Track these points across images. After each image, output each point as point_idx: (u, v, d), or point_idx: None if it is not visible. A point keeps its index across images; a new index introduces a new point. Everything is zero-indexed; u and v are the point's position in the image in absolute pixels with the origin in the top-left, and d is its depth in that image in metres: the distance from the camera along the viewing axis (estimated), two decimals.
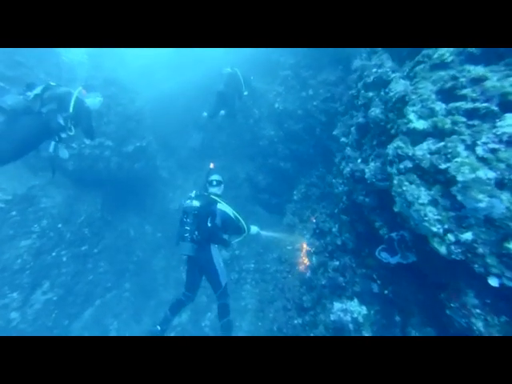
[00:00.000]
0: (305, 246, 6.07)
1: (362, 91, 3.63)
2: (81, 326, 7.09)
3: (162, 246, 9.50)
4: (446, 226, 1.95)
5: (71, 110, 3.89)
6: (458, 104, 2.18)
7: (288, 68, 8.59)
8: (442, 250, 1.98)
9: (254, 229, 4.58)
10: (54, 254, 6.45)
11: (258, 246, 9.13)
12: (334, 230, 4.33)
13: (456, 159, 1.98)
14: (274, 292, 6.82)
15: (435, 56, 2.51)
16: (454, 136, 2.07)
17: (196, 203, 3.89)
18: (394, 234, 2.95)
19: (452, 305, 2.17)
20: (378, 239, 3.52)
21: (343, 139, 4.09)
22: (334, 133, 4.29)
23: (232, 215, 4.08)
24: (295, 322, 5.08)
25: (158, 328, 3.89)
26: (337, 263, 4.00)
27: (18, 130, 3.60)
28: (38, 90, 3.74)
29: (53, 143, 3.98)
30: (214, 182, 4.37)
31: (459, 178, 1.92)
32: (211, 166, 4.66)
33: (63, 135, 3.98)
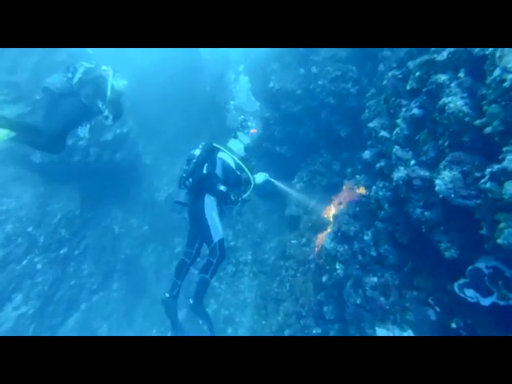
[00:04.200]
0: (319, 244, 5.35)
1: (419, 73, 2.75)
2: (65, 335, 6.19)
3: (150, 239, 8.51)
4: None
5: (109, 93, 3.97)
6: None
7: None
8: None
9: (260, 176, 4.18)
10: (24, 262, 5.33)
11: (255, 235, 8.40)
12: (365, 238, 3.57)
13: None
14: (279, 290, 6.15)
15: None
16: None
17: (198, 151, 3.77)
18: (482, 266, 2.23)
19: None
20: (437, 261, 2.81)
21: (383, 133, 3.23)
22: (371, 125, 3.41)
23: (233, 165, 3.81)
24: (313, 331, 4.45)
25: (167, 295, 3.55)
26: (374, 279, 3.29)
27: (62, 111, 3.66)
28: (80, 74, 3.84)
29: (88, 126, 4.03)
30: (233, 134, 4.23)
31: None
32: (253, 130, 4.45)
33: (99, 118, 4.09)
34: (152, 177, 9.44)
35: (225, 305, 7.60)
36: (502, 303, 2.19)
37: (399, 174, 2.79)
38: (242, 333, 7.04)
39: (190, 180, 3.61)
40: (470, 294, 2.27)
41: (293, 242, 6.34)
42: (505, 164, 1.87)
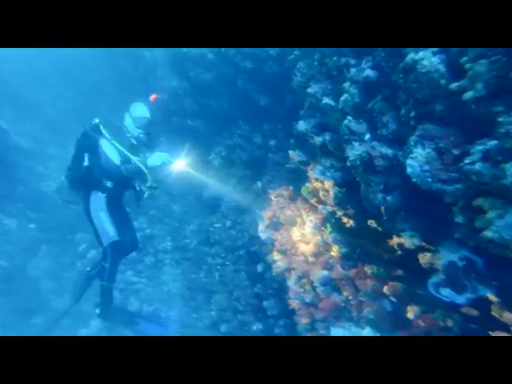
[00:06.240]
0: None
1: None
2: None
3: (41, 240, 6.60)
4: None
5: None
6: None
7: None
8: None
9: (154, 159, 2.98)
10: None
11: (172, 219, 7.31)
12: (309, 224, 3.00)
13: None
14: (208, 280, 5.37)
15: None
16: None
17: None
18: (456, 258, 1.81)
19: None
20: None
21: (327, 101, 2.55)
22: (311, 90, 2.67)
23: (116, 159, 2.90)
24: (254, 327, 3.88)
25: (88, 268, 3.22)
26: (324, 273, 2.77)
27: None
28: None
29: None
30: (137, 123, 3.10)
31: None
32: (152, 97, 3.41)
33: None
34: (34, 163, 7.22)
35: (147, 300, 6.52)
36: (472, 296, 1.86)
37: (355, 151, 2.16)
38: (170, 328, 6.16)
39: (71, 172, 2.98)
40: (445, 293, 1.86)
41: (216, 225, 5.53)
42: None
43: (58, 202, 6.94)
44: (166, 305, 6.42)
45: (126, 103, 4.16)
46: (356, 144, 2.19)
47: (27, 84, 7.09)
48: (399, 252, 2.50)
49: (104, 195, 2.95)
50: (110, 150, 2.91)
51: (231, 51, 5.09)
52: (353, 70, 2.24)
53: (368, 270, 2.55)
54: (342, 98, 2.35)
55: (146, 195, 3.13)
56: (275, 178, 4.03)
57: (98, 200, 2.95)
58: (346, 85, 2.32)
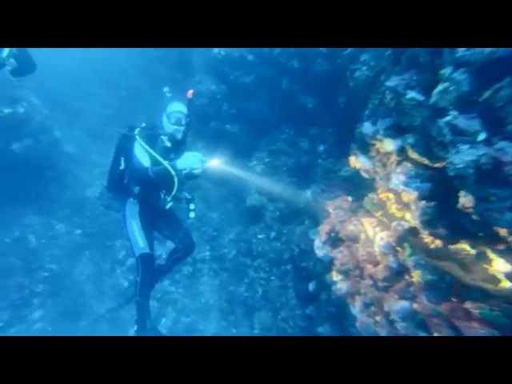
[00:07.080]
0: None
1: None
2: None
3: (85, 246, 6.57)
4: None
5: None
6: None
7: None
8: None
9: (184, 160, 2.46)
10: None
11: (210, 228, 7.00)
12: (379, 242, 2.45)
13: None
14: (249, 294, 4.96)
15: None
16: None
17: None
18: None
19: None
20: None
21: (413, 95, 2.03)
22: (391, 84, 2.16)
23: (145, 162, 2.56)
24: None
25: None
26: (405, 304, 2.21)
27: None
28: None
29: None
30: (172, 119, 2.63)
31: None
32: (189, 93, 2.75)
33: None
34: (79, 169, 7.32)
35: (185, 312, 6.22)
36: None
37: (464, 156, 1.62)
38: None
39: (109, 177, 2.81)
40: None
41: (259, 236, 5.10)
42: None
43: (100, 209, 6.97)
44: (203, 317, 6.10)
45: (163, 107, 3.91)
46: (464, 147, 1.64)
47: (74, 93, 7.22)
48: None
49: (136, 201, 2.74)
50: (142, 153, 2.66)
51: (275, 50, 4.70)
52: (461, 50, 1.70)
53: (472, 308, 1.95)
54: (440, 89, 1.81)
55: (167, 206, 2.80)
56: (328, 186, 3.51)
57: (131, 208, 2.77)
58: (446, 71, 1.79)
